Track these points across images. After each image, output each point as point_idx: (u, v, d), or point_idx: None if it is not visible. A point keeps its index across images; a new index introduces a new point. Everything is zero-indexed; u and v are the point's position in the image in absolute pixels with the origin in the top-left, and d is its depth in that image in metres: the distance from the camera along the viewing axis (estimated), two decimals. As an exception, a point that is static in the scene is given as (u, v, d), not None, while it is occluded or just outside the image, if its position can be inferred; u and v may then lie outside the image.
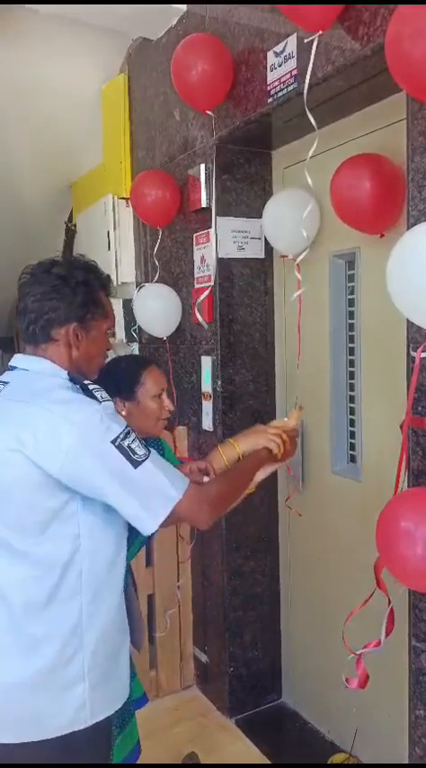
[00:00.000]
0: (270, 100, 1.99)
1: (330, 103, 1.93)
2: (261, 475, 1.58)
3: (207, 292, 2.37)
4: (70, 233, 3.77)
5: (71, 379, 1.26)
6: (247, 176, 2.41)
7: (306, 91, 1.77)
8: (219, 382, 2.40)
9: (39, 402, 1.19)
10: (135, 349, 3.14)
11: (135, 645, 1.81)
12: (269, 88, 1.98)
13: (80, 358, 1.32)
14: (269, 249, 2.44)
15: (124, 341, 3.12)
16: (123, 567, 1.33)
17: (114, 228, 3.06)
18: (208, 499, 1.31)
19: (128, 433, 1.20)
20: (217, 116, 2.25)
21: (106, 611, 1.27)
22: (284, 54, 1.90)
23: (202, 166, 2.36)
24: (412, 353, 1.49)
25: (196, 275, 2.50)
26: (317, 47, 1.70)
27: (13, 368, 1.32)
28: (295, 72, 1.86)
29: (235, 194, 2.39)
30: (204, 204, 2.36)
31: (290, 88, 1.89)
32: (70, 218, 3.76)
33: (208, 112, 2.21)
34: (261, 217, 2.26)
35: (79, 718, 1.22)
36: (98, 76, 3.11)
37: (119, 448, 1.18)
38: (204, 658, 2.66)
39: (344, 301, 2.16)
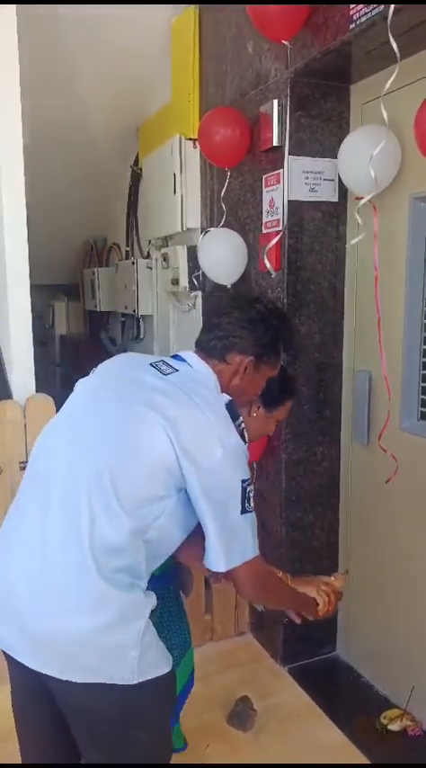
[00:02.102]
0: (352, 26, 1.83)
1: (417, 30, 1.76)
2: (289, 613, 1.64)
3: (276, 239, 2.26)
4: (136, 177, 3.71)
5: (227, 407, 1.29)
6: (323, 113, 2.26)
7: (391, 13, 1.62)
8: (285, 332, 2.33)
9: (204, 408, 1.26)
10: (198, 296, 3.08)
11: (184, 591, 1.87)
12: (352, 12, 1.83)
13: (236, 388, 1.41)
14: (342, 192, 2.30)
15: (186, 288, 3.07)
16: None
17: (180, 171, 2.97)
18: (263, 582, 1.39)
19: (251, 483, 1.28)
20: (293, 46, 2.11)
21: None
22: (370, -28, 1.74)
23: (275, 102, 2.23)
24: None
25: (264, 220, 2.40)
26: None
27: (181, 359, 1.39)
28: (382, -8, 1.71)
29: (309, 132, 2.25)
30: (275, 143, 2.24)
31: (375, 12, 1.74)
32: (136, 162, 3.70)
33: (283, 42, 2.07)
34: (335, 157, 2.13)
35: (126, 678, 1.23)
36: (168, 9, 2.98)
37: (243, 490, 1.25)
38: (260, 607, 2.68)
39: (424, 248, 2.03)
